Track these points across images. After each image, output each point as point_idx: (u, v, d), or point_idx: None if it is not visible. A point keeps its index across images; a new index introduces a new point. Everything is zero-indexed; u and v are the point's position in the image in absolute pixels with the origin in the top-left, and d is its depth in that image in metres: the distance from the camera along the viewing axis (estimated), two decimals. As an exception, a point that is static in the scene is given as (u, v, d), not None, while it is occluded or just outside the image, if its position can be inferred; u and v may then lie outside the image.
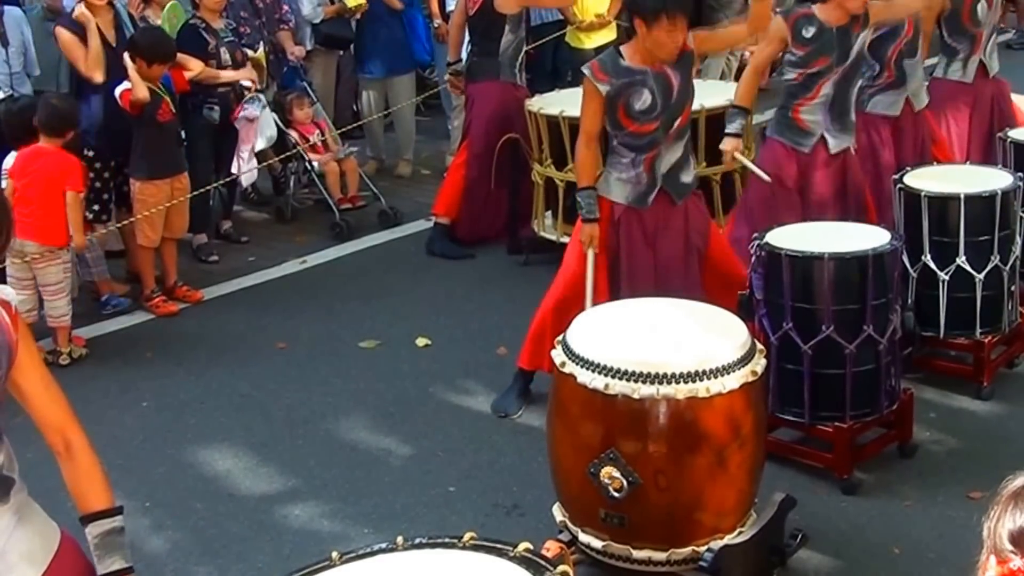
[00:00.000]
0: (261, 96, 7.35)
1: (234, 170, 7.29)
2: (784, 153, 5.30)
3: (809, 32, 5.12)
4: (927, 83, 6.32)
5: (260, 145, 7.41)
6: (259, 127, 7.30)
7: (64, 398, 2.47)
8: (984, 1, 6.33)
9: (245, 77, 7.15)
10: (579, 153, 4.85)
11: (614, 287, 4.76)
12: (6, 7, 6.89)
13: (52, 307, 5.80)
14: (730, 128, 5.37)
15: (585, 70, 4.69)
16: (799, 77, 5.21)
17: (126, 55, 6.27)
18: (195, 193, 6.66)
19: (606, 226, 4.76)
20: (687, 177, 4.81)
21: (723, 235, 5.02)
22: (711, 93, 6.52)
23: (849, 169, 5.43)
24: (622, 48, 4.66)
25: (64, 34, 6.47)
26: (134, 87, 6.19)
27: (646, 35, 4.52)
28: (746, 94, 5.45)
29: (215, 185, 7.22)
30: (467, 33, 7.27)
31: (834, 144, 5.30)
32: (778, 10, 5.66)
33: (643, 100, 4.60)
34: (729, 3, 9.35)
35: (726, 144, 5.38)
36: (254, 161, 7.40)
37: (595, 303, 4.53)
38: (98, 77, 6.40)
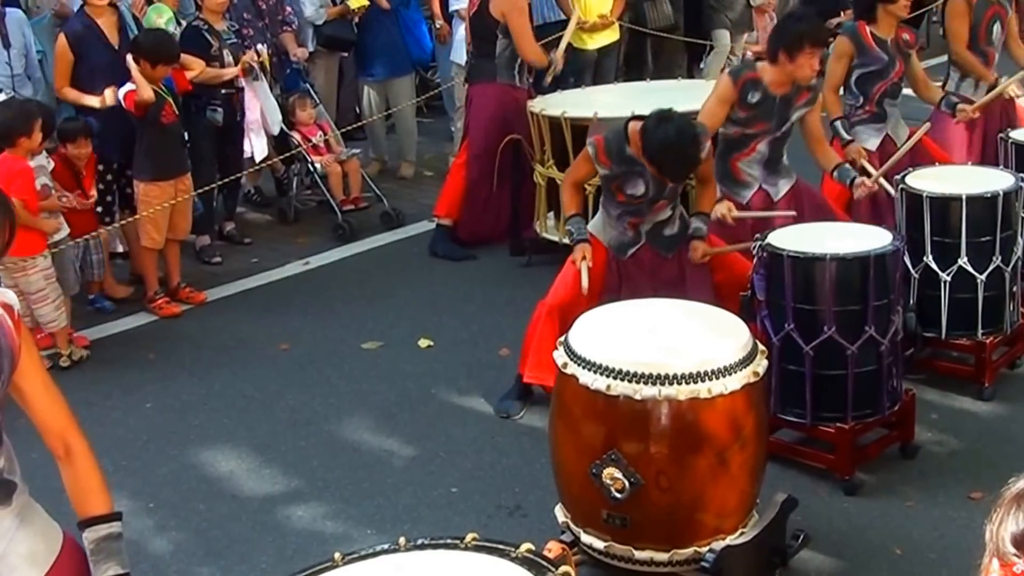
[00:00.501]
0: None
1: (245, 147, 7.30)
2: (733, 203, 5.25)
3: (754, 98, 5.13)
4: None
5: (275, 130, 7.42)
6: (267, 108, 7.31)
7: (64, 402, 2.47)
8: (999, 22, 6.37)
9: (247, 58, 7.14)
10: (564, 191, 5.02)
11: None
12: (8, 9, 6.89)
13: (38, 314, 5.72)
14: None
15: (589, 147, 4.79)
16: (736, 134, 5.24)
17: (129, 57, 6.27)
18: (198, 192, 6.67)
19: (603, 268, 4.84)
20: (671, 230, 4.90)
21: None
22: (708, 94, 6.47)
23: (802, 194, 5.41)
24: (629, 131, 4.67)
25: (61, 42, 6.49)
26: (139, 88, 6.19)
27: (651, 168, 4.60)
28: None
29: (217, 184, 7.22)
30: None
31: (775, 192, 5.33)
32: (727, 70, 5.66)
33: (637, 186, 4.75)
34: (730, 4, 9.34)
35: None
36: (264, 137, 7.40)
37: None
38: (61, 95, 6.54)
